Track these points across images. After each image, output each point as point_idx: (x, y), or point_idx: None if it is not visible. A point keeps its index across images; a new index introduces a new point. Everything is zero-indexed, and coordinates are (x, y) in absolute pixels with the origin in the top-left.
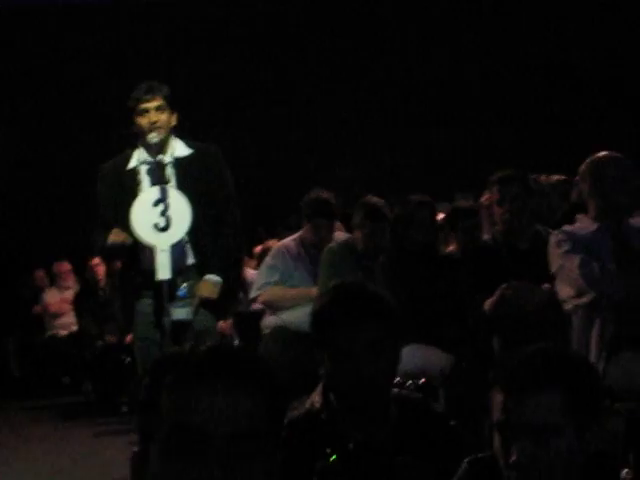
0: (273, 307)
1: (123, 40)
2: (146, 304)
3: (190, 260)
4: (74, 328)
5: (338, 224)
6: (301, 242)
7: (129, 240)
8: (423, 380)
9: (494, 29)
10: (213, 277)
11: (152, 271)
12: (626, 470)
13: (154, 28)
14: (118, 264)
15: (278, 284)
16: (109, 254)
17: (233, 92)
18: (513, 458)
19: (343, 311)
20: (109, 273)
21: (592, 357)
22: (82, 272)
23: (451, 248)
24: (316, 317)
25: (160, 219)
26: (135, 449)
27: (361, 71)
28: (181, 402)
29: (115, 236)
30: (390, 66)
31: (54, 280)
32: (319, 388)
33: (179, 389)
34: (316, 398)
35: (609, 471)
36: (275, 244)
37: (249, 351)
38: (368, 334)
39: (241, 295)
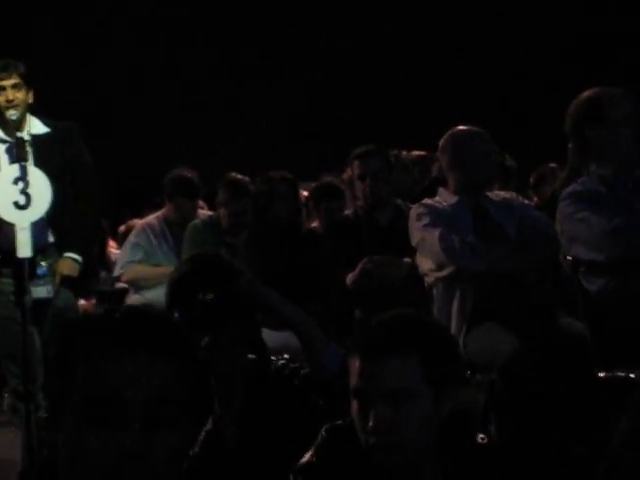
0: (137, 285)
1: None
2: (6, 283)
3: (50, 238)
4: None
5: (201, 202)
6: (164, 220)
7: None
8: (286, 357)
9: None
10: (73, 255)
11: (12, 249)
12: (482, 435)
13: None
14: None
15: (142, 262)
16: None
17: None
18: (370, 424)
19: (199, 280)
20: None
21: (453, 329)
22: None
23: (314, 224)
24: (172, 285)
25: (20, 197)
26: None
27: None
28: (95, 370)
29: None
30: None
31: None
32: None
33: (93, 357)
34: None
35: (466, 434)
36: (139, 223)
37: (166, 316)
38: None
39: (104, 274)
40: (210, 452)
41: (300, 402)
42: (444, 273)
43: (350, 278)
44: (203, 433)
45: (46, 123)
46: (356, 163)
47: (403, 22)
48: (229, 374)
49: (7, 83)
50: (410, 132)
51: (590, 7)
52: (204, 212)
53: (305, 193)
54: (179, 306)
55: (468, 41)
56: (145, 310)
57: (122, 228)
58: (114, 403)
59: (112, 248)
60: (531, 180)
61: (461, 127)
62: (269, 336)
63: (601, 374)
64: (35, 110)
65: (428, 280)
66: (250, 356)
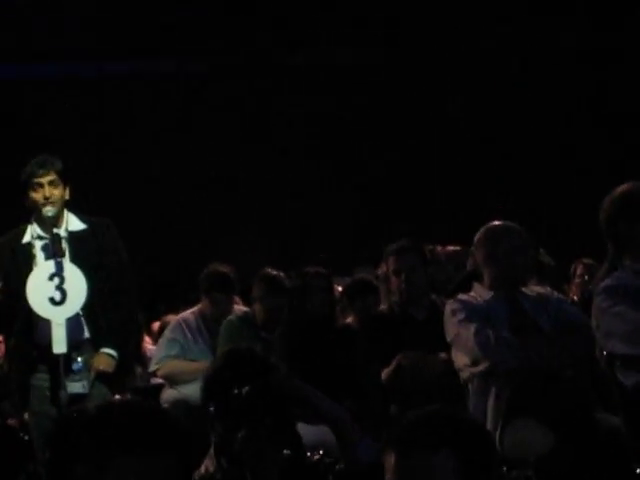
0: (172, 381)
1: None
2: (41, 378)
3: (86, 334)
4: None
5: (236, 298)
6: (200, 315)
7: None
8: (321, 452)
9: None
10: (108, 350)
11: (47, 345)
12: None
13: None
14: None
15: (177, 357)
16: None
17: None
18: None
19: (234, 375)
20: (7, 350)
21: (489, 425)
22: None
23: (349, 320)
24: (207, 380)
25: (55, 293)
26: None
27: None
28: (94, 472)
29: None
30: (287, 135)
31: None
32: (211, 452)
33: (91, 458)
34: (209, 462)
35: None
36: (174, 318)
37: (162, 411)
38: None
39: (139, 370)
40: None
41: None
42: (479, 368)
43: (385, 374)
44: None
45: (82, 219)
46: (391, 259)
47: (434, 123)
48: (264, 469)
49: (44, 180)
50: (445, 227)
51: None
52: (240, 307)
53: (339, 288)
54: (214, 400)
55: (503, 136)
56: (139, 406)
57: (157, 324)
58: None
59: (147, 344)
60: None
61: (496, 222)
62: (304, 430)
63: (638, 469)
64: (71, 206)
65: (463, 375)
66: (285, 451)
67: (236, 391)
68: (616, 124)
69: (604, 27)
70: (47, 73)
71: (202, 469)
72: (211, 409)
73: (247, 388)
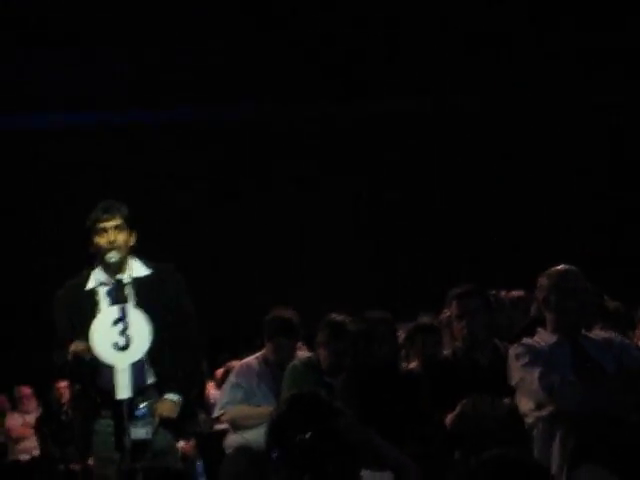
0: (236, 426)
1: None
2: (105, 424)
3: (150, 379)
4: (36, 453)
5: (300, 343)
6: (264, 360)
7: (90, 351)
8: None
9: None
10: (173, 396)
11: (111, 390)
12: None
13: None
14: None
15: (241, 403)
16: (71, 368)
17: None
18: None
19: (298, 420)
20: (71, 396)
21: (554, 470)
22: (44, 396)
23: (412, 365)
24: (271, 425)
25: (119, 338)
26: None
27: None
28: None
29: (76, 346)
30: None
31: (16, 404)
32: None
33: None
34: None
35: None
36: (238, 363)
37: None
38: None
39: (203, 416)
40: None
41: None
42: (544, 413)
43: (449, 419)
44: None
45: (147, 265)
46: (454, 303)
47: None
48: None
49: (109, 225)
50: (508, 272)
51: None
52: (303, 353)
53: (402, 334)
54: (278, 445)
55: (558, 175)
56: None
57: (221, 370)
58: None
59: (211, 389)
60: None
61: (558, 267)
62: (369, 477)
63: None
64: (137, 251)
65: (528, 420)
66: None
67: (300, 436)
68: None
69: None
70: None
71: None
72: (275, 454)
73: (311, 433)
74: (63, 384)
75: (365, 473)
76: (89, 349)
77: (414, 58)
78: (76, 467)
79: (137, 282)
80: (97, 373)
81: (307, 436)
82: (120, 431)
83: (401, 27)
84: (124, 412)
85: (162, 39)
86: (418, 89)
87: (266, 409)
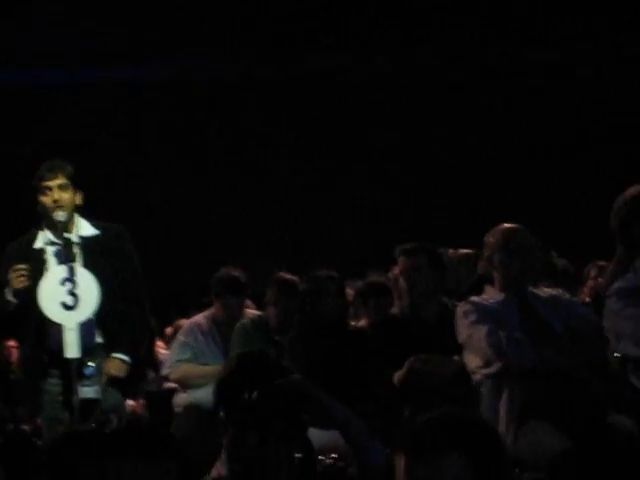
0: (185, 385)
1: None
2: (53, 383)
3: (98, 339)
4: None
5: (248, 301)
6: (212, 319)
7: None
8: (334, 456)
9: None
10: (121, 355)
11: (59, 350)
12: None
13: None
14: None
15: (190, 361)
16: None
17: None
18: None
19: (245, 379)
20: (20, 356)
21: (501, 427)
22: None
23: (362, 322)
24: (219, 385)
25: (67, 297)
26: None
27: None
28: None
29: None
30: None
31: None
32: (222, 456)
33: (87, 471)
34: (220, 466)
35: None
36: (186, 322)
37: (158, 429)
38: None
39: (152, 374)
40: None
41: None
42: (492, 370)
43: (397, 376)
44: None
45: (94, 225)
46: (400, 260)
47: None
48: (276, 473)
49: (54, 184)
50: (455, 229)
51: None
52: (252, 311)
53: (350, 292)
54: (226, 405)
55: (517, 134)
56: (137, 425)
57: (170, 329)
58: None
59: (160, 348)
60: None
61: (505, 225)
62: (316, 435)
63: None
64: (83, 212)
65: (476, 377)
66: (297, 455)
67: (247, 395)
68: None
69: None
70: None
71: (214, 473)
72: (222, 413)
73: (257, 392)
74: (11, 343)
75: (312, 431)
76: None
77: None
78: (25, 427)
79: (85, 241)
80: (45, 332)
81: (254, 395)
82: (68, 391)
83: None
84: (72, 372)
85: None
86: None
87: (214, 368)
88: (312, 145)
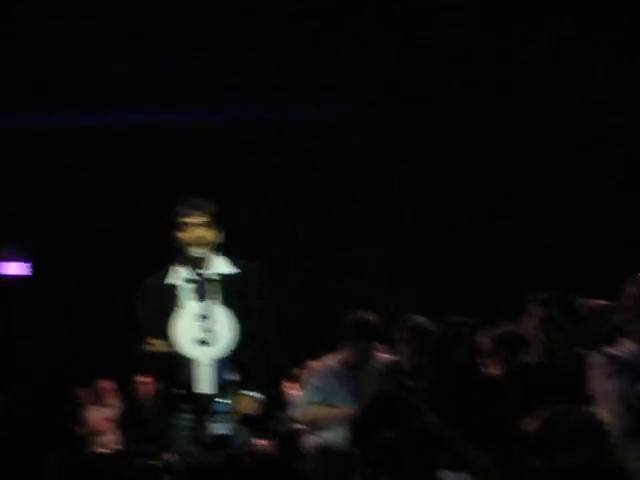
0: (315, 427)
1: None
2: (185, 418)
3: (231, 376)
4: (115, 447)
5: (381, 345)
6: (344, 362)
7: (168, 352)
8: None
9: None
10: (253, 393)
11: (192, 385)
12: None
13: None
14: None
15: (320, 404)
16: (149, 366)
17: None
18: None
19: (380, 419)
20: (153, 392)
21: None
22: (125, 390)
23: (493, 370)
24: (353, 423)
25: (203, 334)
26: None
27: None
28: None
29: (153, 346)
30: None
31: (97, 398)
32: None
33: None
34: None
35: None
36: (317, 365)
37: (290, 468)
38: None
39: (283, 415)
40: None
41: None
42: (622, 425)
43: (530, 425)
44: None
45: (234, 263)
46: (535, 308)
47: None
48: None
49: (196, 221)
50: (591, 280)
51: None
52: (384, 355)
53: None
54: (359, 444)
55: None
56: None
57: (300, 371)
58: None
59: (291, 390)
60: None
61: None
62: (448, 478)
63: None
64: (224, 250)
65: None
66: None
67: (381, 435)
68: None
69: None
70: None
71: None
72: (355, 452)
73: (391, 433)
74: (143, 380)
75: (444, 474)
76: (167, 350)
77: None
78: (155, 462)
79: (223, 279)
80: (179, 368)
81: (388, 435)
82: (200, 426)
83: None
84: (205, 407)
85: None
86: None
87: (345, 411)
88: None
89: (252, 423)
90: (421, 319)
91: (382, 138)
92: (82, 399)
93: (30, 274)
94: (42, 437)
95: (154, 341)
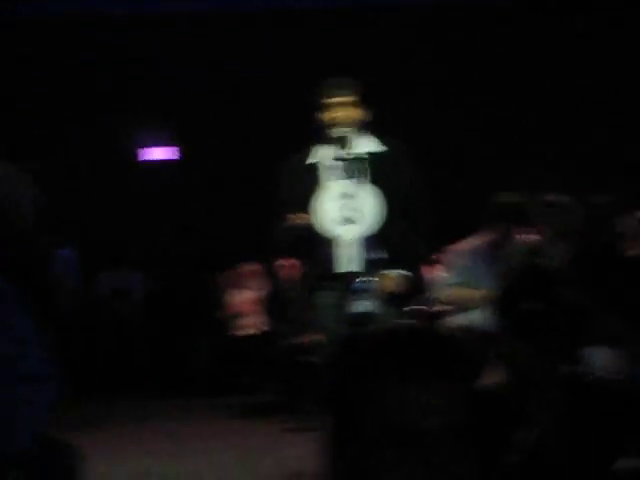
0: (459, 307)
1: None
2: (329, 296)
3: (377, 254)
4: (261, 328)
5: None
6: (489, 243)
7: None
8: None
9: None
10: (400, 272)
11: (336, 264)
12: None
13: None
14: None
15: (465, 284)
16: (294, 243)
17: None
18: None
19: (527, 289)
20: (299, 274)
21: None
22: (270, 273)
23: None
24: (501, 295)
25: (349, 212)
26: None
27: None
28: (390, 401)
29: (301, 219)
30: None
31: (240, 281)
32: (494, 364)
33: (387, 387)
34: (495, 373)
35: None
36: (463, 246)
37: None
38: None
39: (427, 295)
40: (531, 459)
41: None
42: None
43: None
44: (522, 441)
45: (381, 141)
46: None
47: None
48: (548, 383)
49: (341, 100)
50: None
51: None
52: (529, 236)
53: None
54: (506, 314)
55: None
56: (425, 333)
57: (439, 255)
58: (413, 432)
59: (436, 270)
60: None
61: None
62: (592, 354)
63: None
64: (371, 129)
65: None
66: (570, 368)
67: (526, 306)
68: None
69: None
70: None
71: (487, 379)
72: (503, 323)
73: (538, 303)
74: (288, 261)
75: (588, 350)
76: (308, 223)
77: None
78: (299, 340)
79: (369, 158)
80: (322, 246)
81: (534, 306)
82: (344, 304)
83: None
84: (349, 285)
85: None
86: None
87: (488, 292)
88: None
89: (396, 301)
90: (556, 197)
91: None
92: (224, 283)
93: (178, 158)
94: (194, 321)
95: (294, 216)
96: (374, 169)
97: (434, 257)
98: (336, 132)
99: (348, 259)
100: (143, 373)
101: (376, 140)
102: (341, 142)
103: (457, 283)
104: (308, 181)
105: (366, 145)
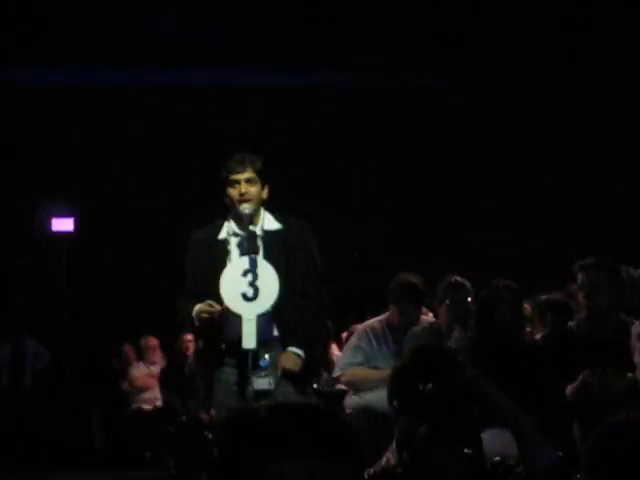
0: (355, 387)
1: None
2: (228, 372)
3: (274, 332)
4: (159, 403)
5: (425, 309)
6: (387, 324)
7: (215, 315)
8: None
9: None
10: (296, 350)
11: (236, 340)
12: None
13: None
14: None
15: (362, 365)
16: (198, 325)
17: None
18: None
19: (421, 370)
20: (195, 349)
21: None
22: (170, 347)
23: (538, 336)
24: (394, 375)
25: (248, 289)
26: None
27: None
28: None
29: (201, 309)
30: None
31: (141, 354)
32: (393, 445)
33: (262, 460)
34: (390, 456)
35: None
36: (361, 326)
37: (339, 417)
38: None
39: (325, 375)
40: None
41: None
42: None
43: (570, 390)
44: None
45: (279, 219)
46: (580, 274)
47: None
48: (443, 465)
49: (242, 177)
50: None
51: None
52: (427, 318)
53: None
54: (399, 396)
55: None
56: (312, 408)
57: (345, 333)
58: None
59: (335, 350)
60: None
61: None
62: (487, 436)
63: None
64: (269, 206)
65: None
66: (466, 450)
67: (421, 386)
68: None
69: None
70: None
71: (383, 461)
72: (395, 403)
73: (431, 384)
74: (189, 337)
75: (485, 434)
76: (213, 313)
77: None
78: (200, 416)
79: (268, 235)
80: (224, 322)
81: (427, 387)
82: (243, 381)
83: None
84: (248, 362)
85: None
86: None
87: (385, 372)
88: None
89: (294, 381)
90: (460, 280)
91: None
92: (127, 356)
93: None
94: (87, 393)
95: (203, 305)
96: (273, 246)
97: (345, 334)
98: (241, 208)
99: (248, 335)
100: (38, 445)
101: (278, 217)
102: (245, 218)
103: (354, 363)
104: (213, 256)
105: (267, 222)
